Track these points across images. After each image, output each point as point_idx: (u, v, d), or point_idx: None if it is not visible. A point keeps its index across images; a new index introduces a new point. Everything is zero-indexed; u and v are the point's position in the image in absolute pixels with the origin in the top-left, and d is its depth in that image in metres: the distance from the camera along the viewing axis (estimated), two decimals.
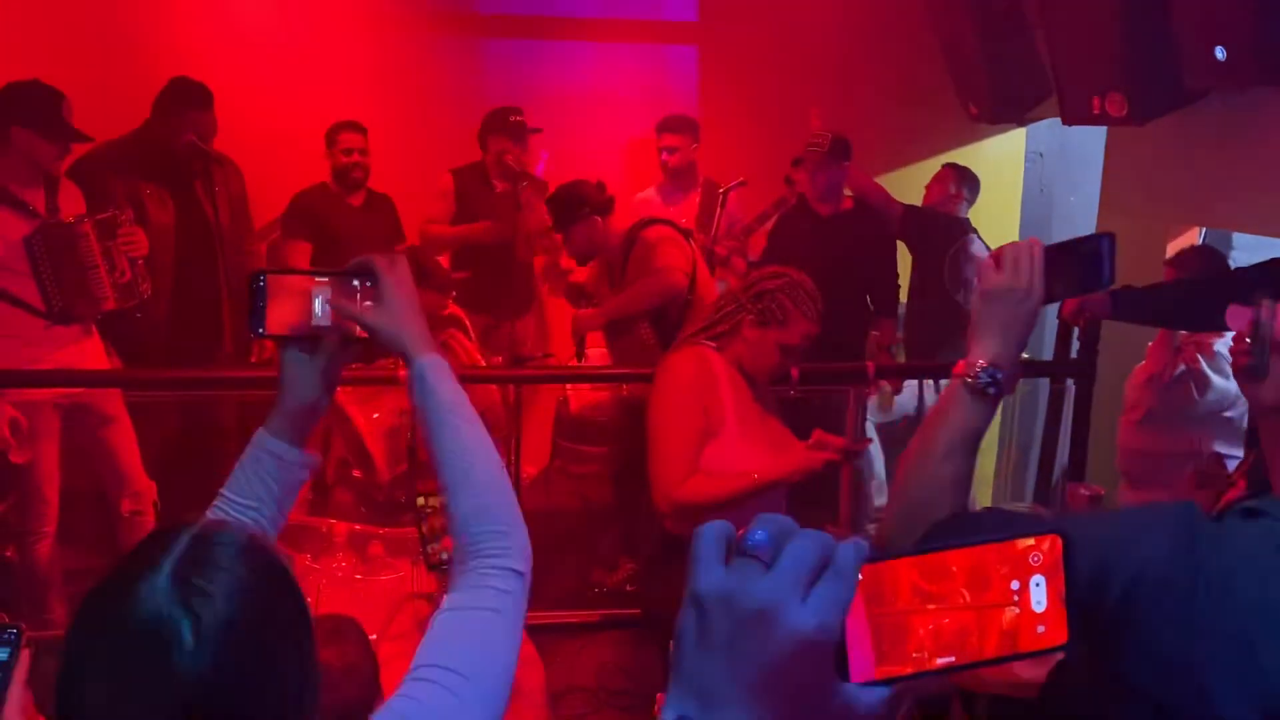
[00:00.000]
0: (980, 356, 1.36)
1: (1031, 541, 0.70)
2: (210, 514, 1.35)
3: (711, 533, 0.67)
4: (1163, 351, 3.98)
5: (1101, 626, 1.00)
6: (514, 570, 1.26)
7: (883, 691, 0.66)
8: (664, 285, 4.08)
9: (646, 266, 4.13)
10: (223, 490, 1.37)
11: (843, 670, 0.65)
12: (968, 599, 0.68)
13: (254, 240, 4.81)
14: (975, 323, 1.39)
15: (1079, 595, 0.70)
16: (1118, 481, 4.08)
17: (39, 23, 4.92)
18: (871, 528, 4.95)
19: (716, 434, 2.78)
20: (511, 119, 5.02)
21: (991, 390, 1.35)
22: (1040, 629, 0.70)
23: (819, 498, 4.05)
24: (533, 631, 3.46)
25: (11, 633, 1.31)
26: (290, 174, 4.88)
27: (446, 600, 1.24)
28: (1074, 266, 1.38)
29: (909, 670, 0.67)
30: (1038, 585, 0.70)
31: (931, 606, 0.67)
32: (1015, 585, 0.70)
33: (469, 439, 1.32)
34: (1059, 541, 0.71)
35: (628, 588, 4.41)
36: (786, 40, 5.56)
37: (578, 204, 4.24)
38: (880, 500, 5.11)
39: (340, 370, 1.42)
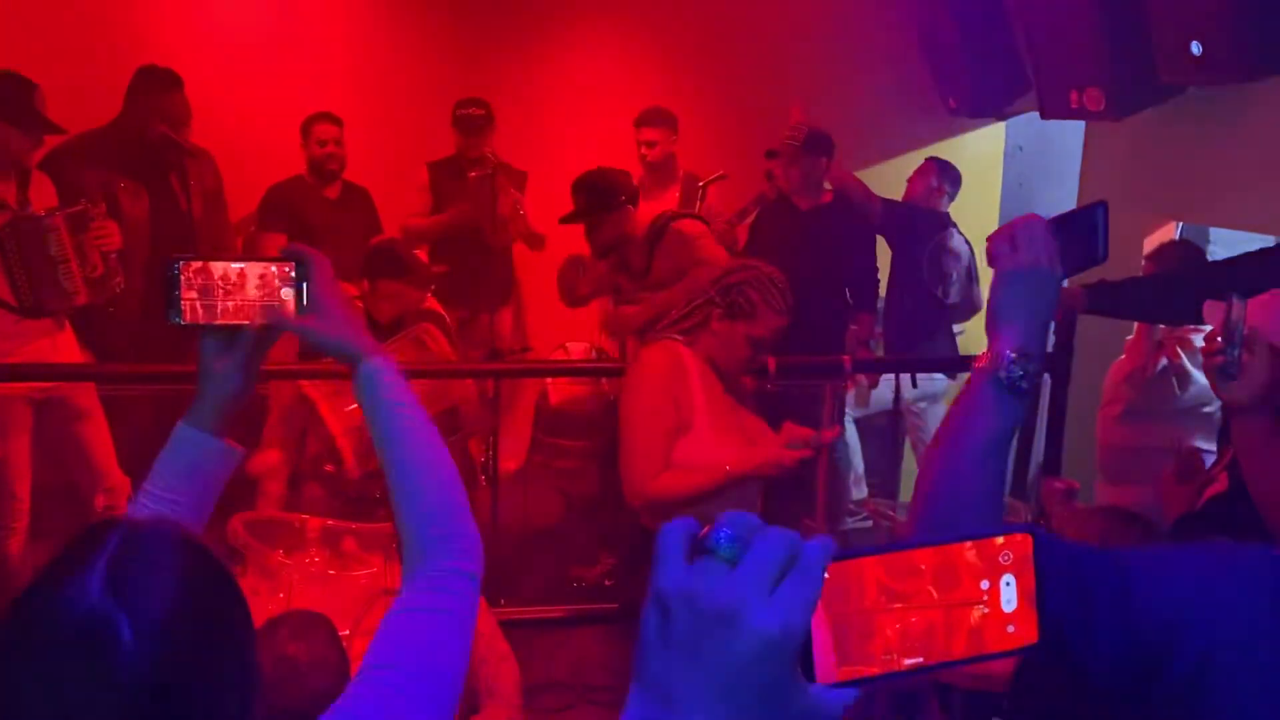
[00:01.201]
0: (1007, 347, 1.21)
1: (1001, 540, 0.69)
2: (131, 508, 1.33)
3: (675, 531, 0.66)
4: (1142, 346, 3.99)
5: (1171, 690, 0.94)
6: (464, 571, 1.24)
7: (849, 693, 0.64)
8: None
9: (684, 260, 4.05)
10: (144, 484, 1.34)
11: (808, 671, 0.63)
12: (936, 597, 0.67)
13: (231, 234, 4.76)
14: (996, 309, 1.24)
15: (1139, 654, 0.67)
16: (1094, 476, 4.09)
17: (11, 14, 4.86)
18: (851, 521, 4.96)
19: (688, 428, 2.77)
20: (459, 112, 4.97)
21: (1023, 385, 1.20)
22: (1010, 628, 0.69)
23: (796, 491, 4.04)
24: (510, 626, 3.45)
25: None
26: (266, 166, 4.84)
27: (397, 601, 1.22)
28: (1071, 242, 1.30)
29: (875, 671, 0.66)
30: (1008, 584, 0.69)
31: (898, 605, 0.66)
32: (985, 584, 0.69)
33: (416, 441, 1.29)
34: (1029, 540, 0.70)
35: (606, 582, 4.40)
36: (767, 33, 5.55)
37: (614, 192, 4.10)
38: (859, 493, 5.12)
39: (262, 359, 1.38)
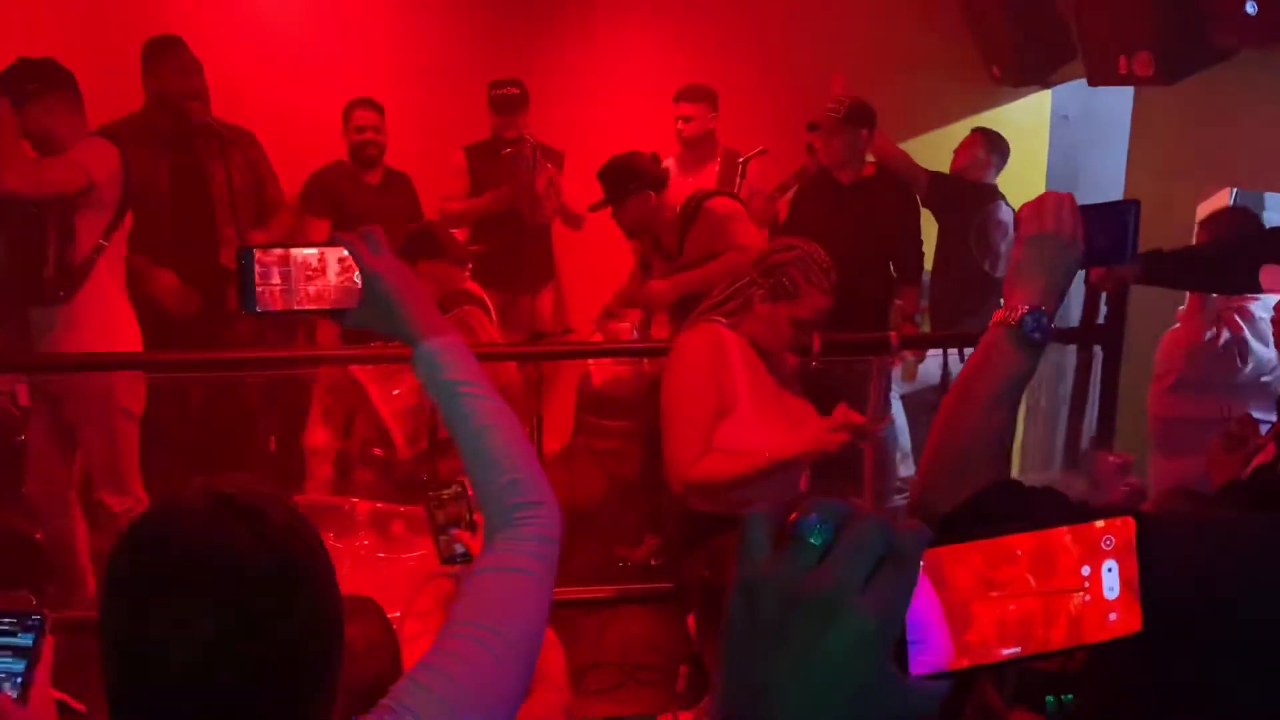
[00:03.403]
0: (1022, 301, 1.28)
1: (1103, 524, 0.66)
2: None
3: (761, 518, 0.63)
4: (1198, 317, 3.90)
5: (1240, 679, 0.92)
6: (547, 537, 1.26)
7: (943, 685, 0.62)
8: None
9: (715, 243, 4.01)
10: None
11: (902, 662, 0.61)
12: (1033, 585, 0.64)
13: (283, 214, 4.75)
14: (1015, 268, 1.32)
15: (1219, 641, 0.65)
16: (1146, 449, 4.02)
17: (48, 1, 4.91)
18: (898, 499, 4.92)
19: (730, 411, 2.74)
20: (494, 91, 4.94)
21: (1036, 336, 1.27)
22: (1112, 616, 0.66)
23: (842, 469, 4.01)
24: (556, 607, 3.43)
25: (35, 619, 1.31)
26: (307, 152, 4.86)
27: (482, 559, 1.25)
28: (1099, 233, 1.33)
29: (971, 662, 0.63)
30: (1110, 570, 0.66)
31: (994, 593, 0.63)
32: (1086, 570, 0.66)
33: (489, 417, 1.30)
34: (1132, 523, 0.67)
35: (651, 562, 4.40)
36: (806, 4, 5.48)
37: (631, 177, 4.11)
38: (905, 471, 5.07)
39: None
